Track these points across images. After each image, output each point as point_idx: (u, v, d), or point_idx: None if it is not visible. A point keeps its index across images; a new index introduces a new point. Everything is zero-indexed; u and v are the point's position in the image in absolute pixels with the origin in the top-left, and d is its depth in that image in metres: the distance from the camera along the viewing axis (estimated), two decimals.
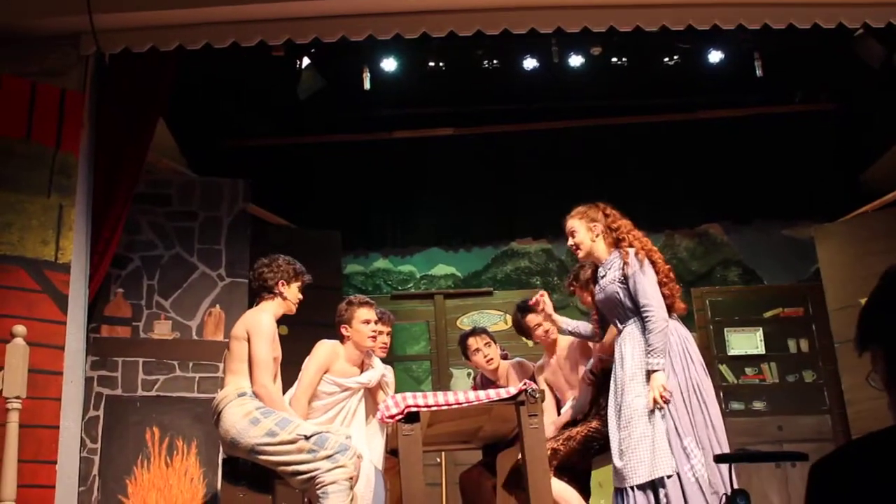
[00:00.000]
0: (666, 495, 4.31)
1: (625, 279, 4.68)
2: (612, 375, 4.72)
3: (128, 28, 5.84)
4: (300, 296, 5.06)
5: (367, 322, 5.18)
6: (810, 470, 1.54)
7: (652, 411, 4.43)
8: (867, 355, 1.62)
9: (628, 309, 4.68)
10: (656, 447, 4.37)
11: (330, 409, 5.13)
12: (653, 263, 4.73)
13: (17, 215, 5.30)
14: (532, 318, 5.46)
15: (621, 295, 4.68)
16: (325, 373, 5.13)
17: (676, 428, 4.41)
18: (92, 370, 6.02)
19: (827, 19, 5.87)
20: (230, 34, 5.89)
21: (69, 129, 5.61)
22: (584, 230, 4.90)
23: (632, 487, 4.39)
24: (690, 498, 4.28)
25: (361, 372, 5.27)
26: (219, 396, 4.73)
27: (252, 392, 4.64)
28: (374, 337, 5.21)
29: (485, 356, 5.71)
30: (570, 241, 4.97)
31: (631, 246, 4.75)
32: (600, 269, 4.89)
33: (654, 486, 4.35)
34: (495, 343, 5.87)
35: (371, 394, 5.31)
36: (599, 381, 5.13)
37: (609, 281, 4.77)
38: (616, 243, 4.84)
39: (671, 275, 4.82)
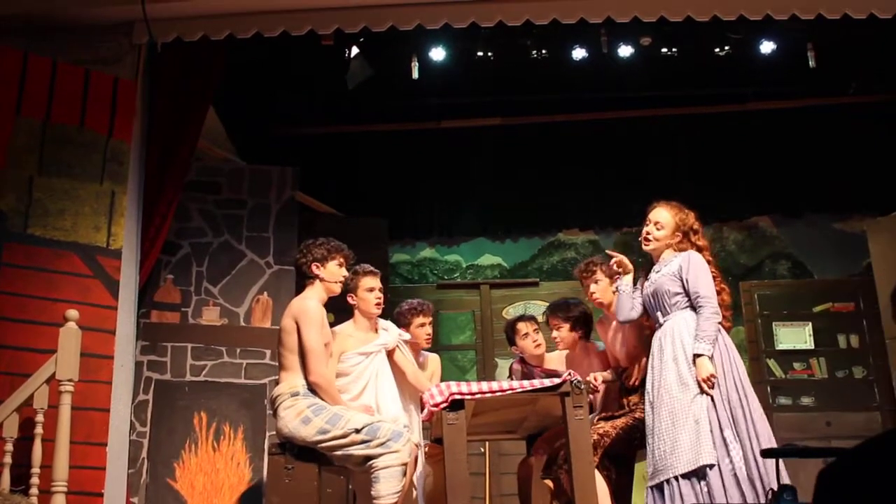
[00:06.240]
0: (707, 485, 4.28)
1: (679, 272, 4.66)
2: (650, 369, 4.70)
3: (179, 17, 5.90)
4: (343, 273, 5.01)
5: (372, 290, 5.18)
6: (819, 476, 1.49)
7: (696, 399, 4.41)
8: None
9: (674, 301, 4.65)
10: (701, 436, 4.35)
11: (359, 379, 5.09)
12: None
13: (71, 202, 5.38)
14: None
15: (671, 285, 4.66)
16: (342, 353, 5.10)
17: (719, 419, 4.39)
18: (142, 355, 6.11)
19: (883, 8, 5.76)
20: (280, 23, 5.93)
21: (122, 117, 5.68)
22: (671, 230, 4.85)
23: (676, 478, 4.37)
24: (728, 489, 4.26)
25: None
26: (274, 392, 4.78)
27: (307, 386, 4.66)
28: (380, 304, 5.18)
29: (534, 341, 5.67)
30: (649, 229, 4.88)
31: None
32: (656, 266, 4.87)
33: (697, 475, 4.33)
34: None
35: (393, 362, 5.25)
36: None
37: (663, 275, 4.75)
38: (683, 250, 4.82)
39: (726, 289, 4.82)
